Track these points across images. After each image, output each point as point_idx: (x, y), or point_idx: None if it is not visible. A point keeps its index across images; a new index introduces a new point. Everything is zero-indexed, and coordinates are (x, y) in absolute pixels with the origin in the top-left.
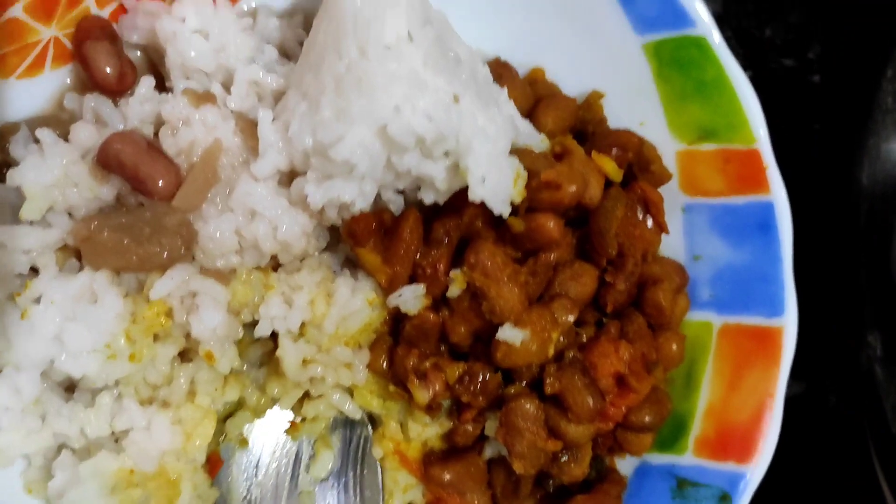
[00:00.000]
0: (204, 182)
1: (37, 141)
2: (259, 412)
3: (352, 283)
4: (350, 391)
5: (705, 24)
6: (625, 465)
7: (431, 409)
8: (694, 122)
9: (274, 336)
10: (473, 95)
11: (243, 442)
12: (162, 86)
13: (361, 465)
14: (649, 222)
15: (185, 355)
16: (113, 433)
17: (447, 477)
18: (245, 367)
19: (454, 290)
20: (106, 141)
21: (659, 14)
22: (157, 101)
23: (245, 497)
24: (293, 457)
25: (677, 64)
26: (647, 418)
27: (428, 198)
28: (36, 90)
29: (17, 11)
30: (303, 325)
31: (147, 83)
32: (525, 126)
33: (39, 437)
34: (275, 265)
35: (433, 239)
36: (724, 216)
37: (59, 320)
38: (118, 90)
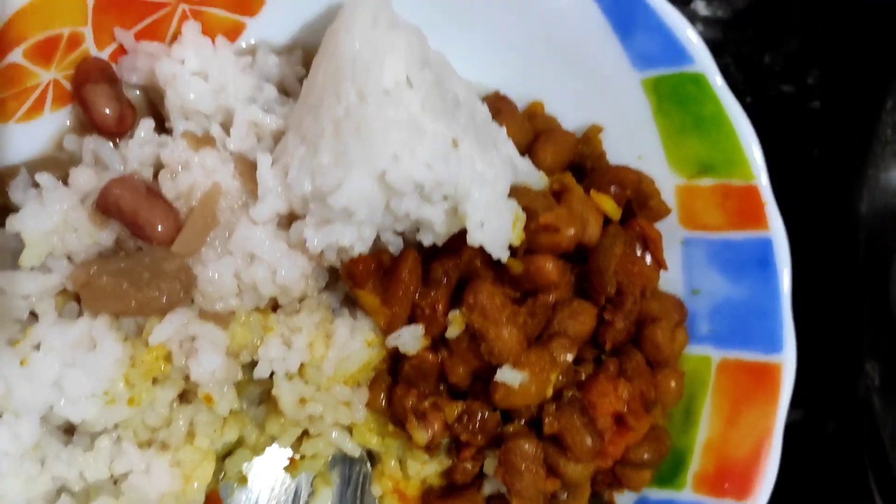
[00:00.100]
0: (203, 227)
1: (36, 185)
2: (258, 450)
3: (350, 324)
4: (349, 429)
5: (704, 60)
6: (624, 501)
7: (430, 448)
8: (693, 156)
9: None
10: (472, 139)
11: (242, 480)
12: (162, 125)
13: (361, 503)
14: (648, 259)
15: (184, 396)
16: (112, 476)
17: None
18: (244, 406)
19: (453, 331)
20: (105, 187)
21: (658, 50)
22: (156, 143)
23: None
24: (292, 494)
25: (676, 99)
26: (645, 455)
27: (427, 239)
28: (35, 132)
29: (16, 56)
30: (302, 365)
31: (146, 125)
32: (524, 164)
33: (39, 482)
34: (274, 305)
35: (432, 279)
36: (722, 251)
37: (58, 367)
38: (118, 132)
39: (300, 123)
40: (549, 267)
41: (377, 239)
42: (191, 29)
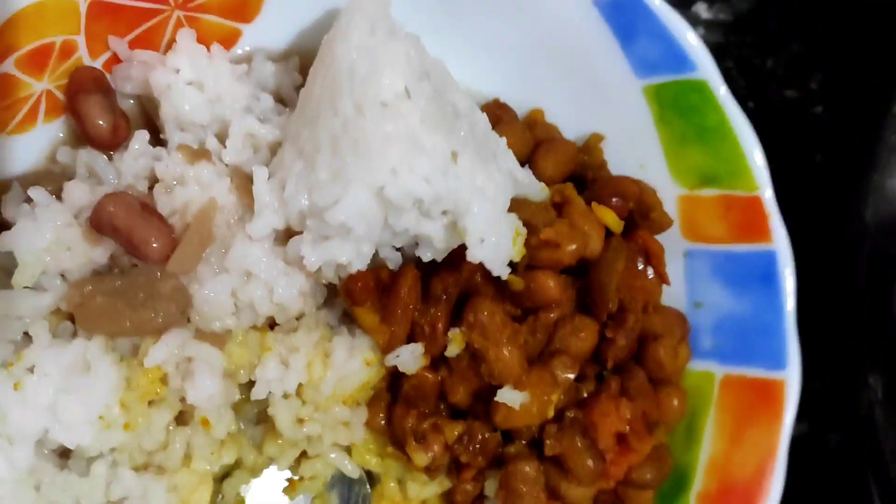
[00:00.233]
0: (199, 244)
1: (29, 200)
2: (256, 472)
3: (349, 342)
4: (348, 449)
5: (707, 68)
6: None
7: (430, 470)
8: (695, 167)
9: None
10: (472, 152)
11: (240, 502)
12: (156, 135)
13: None
14: (650, 272)
15: (180, 418)
16: (108, 502)
17: None
18: (242, 426)
19: (453, 350)
20: (99, 204)
21: (660, 57)
22: (151, 155)
23: None
24: None
25: (678, 108)
26: (648, 476)
27: (426, 255)
28: (28, 145)
29: (8, 67)
30: (300, 385)
31: (141, 137)
32: (524, 175)
33: None
34: (271, 323)
35: (431, 296)
36: (725, 264)
37: (52, 391)
38: (112, 144)
39: (297, 136)
40: (550, 284)
41: (375, 255)
42: (185, 37)
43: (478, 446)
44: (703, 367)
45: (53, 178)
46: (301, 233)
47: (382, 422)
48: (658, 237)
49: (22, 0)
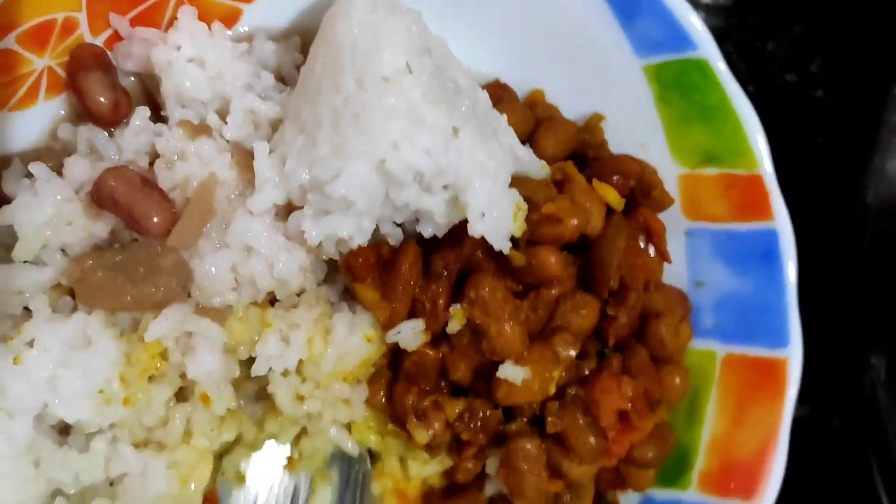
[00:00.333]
0: (199, 219)
1: (30, 175)
2: (256, 447)
3: (350, 319)
4: (348, 427)
5: (707, 46)
6: (628, 500)
7: (431, 448)
8: (696, 146)
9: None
10: (473, 128)
11: (240, 478)
12: (157, 112)
13: (360, 502)
14: (651, 251)
15: (180, 394)
16: (108, 478)
17: None
18: (242, 403)
19: (454, 326)
20: (99, 178)
21: (660, 36)
22: (152, 131)
23: None
24: (291, 493)
25: (679, 88)
26: (650, 454)
27: (427, 231)
28: (29, 121)
29: (9, 42)
30: (300, 361)
31: (142, 114)
32: (525, 153)
33: (33, 485)
34: (272, 299)
35: (432, 272)
36: (726, 242)
37: (52, 366)
38: (113, 121)
39: (298, 112)
40: (551, 260)
41: (376, 231)
42: (187, 14)
43: (479, 424)
44: (705, 346)
45: (54, 155)
46: (302, 208)
47: (383, 399)
48: (659, 216)
49: None
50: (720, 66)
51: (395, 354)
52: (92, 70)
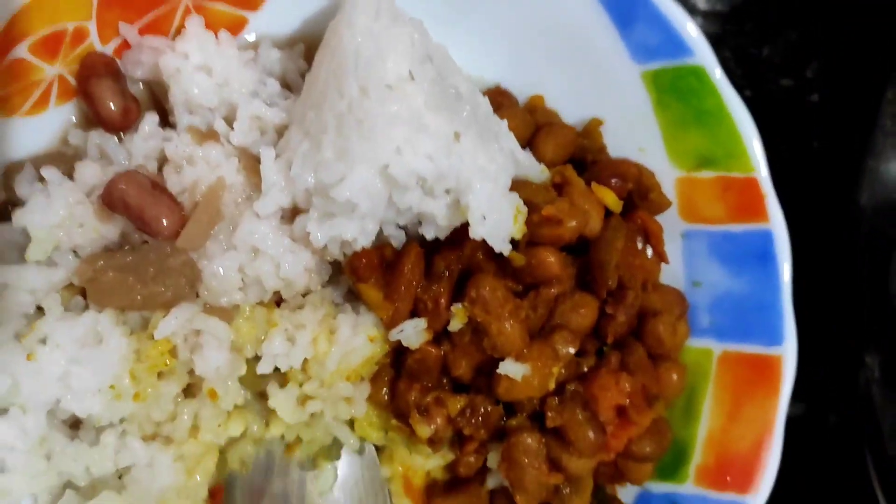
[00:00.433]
0: (207, 222)
1: (42, 179)
2: (262, 441)
3: (353, 319)
4: (350, 422)
5: (704, 53)
6: (625, 494)
7: (434, 442)
8: (693, 149)
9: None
10: (474, 133)
11: (244, 466)
12: (166, 119)
13: (366, 480)
14: (649, 252)
15: (188, 390)
16: (116, 470)
17: None
18: (248, 398)
19: (455, 325)
20: (110, 182)
21: (657, 43)
22: (160, 137)
23: None
24: (297, 475)
25: (676, 92)
26: (648, 448)
27: (429, 233)
28: (41, 127)
29: (21, 52)
30: (305, 360)
31: (151, 119)
32: (525, 157)
33: (45, 477)
34: (278, 299)
35: (434, 273)
36: (723, 243)
37: (64, 362)
38: (122, 126)
39: (303, 118)
40: (551, 260)
41: (380, 233)
42: (194, 23)
43: (480, 419)
44: (702, 344)
45: (65, 160)
46: (307, 211)
47: (386, 397)
48: (657, 218)
49: None
50: (716, 73)
51: (398, 352)
52: (102, 77)
